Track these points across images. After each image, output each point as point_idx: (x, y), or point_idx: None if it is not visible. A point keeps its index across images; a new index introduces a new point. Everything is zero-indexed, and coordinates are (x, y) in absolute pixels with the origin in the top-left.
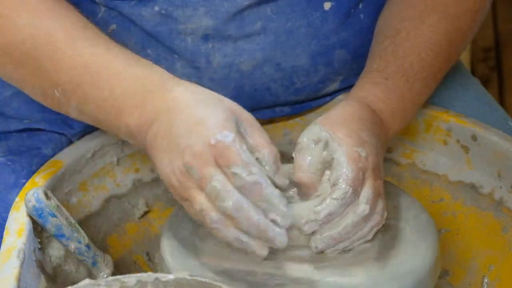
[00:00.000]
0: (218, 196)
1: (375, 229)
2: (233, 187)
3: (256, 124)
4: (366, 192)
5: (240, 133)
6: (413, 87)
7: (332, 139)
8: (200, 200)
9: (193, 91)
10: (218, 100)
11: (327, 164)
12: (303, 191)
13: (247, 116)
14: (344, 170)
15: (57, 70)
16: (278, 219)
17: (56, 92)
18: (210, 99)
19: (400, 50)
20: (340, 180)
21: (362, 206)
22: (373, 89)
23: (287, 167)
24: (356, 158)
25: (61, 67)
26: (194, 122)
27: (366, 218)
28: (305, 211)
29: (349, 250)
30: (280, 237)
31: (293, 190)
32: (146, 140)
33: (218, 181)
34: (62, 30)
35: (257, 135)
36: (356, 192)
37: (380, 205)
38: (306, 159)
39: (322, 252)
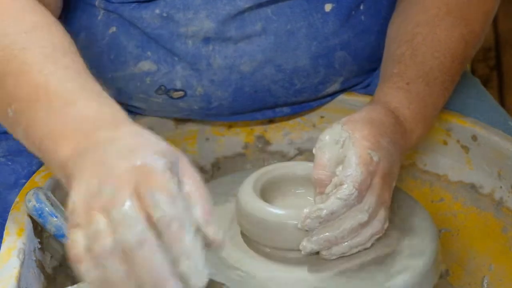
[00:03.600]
0: (123, 223)
1: (374, 237)
2: (144, 218)
3: (196, 176)
4: (370, 198)
5: (173, 172)
6: (433, 91)
7: (349, 138)
8: (98, 220)
9: (140, 131)
10: (161, 141)
11: (341, 162)
12: (320, 188)
13: (187, 165)
14: (354, 172)
15: (16, 87)
16: (192, 275)
17: (9, 111)
18: (153, 138)
19: (419, 55)
20: (348, 181)
21: (363, 214)
22: (396, 95)
23: (307, 165)
24: (368, 161)
25: (21, 85)
26: (128, 150)
27: (365, 224)
28: (305, 206)
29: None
30: None
31: (300, 190)
32: (74, 168)
33: (130, 206)
34: (38, 49)
35: (194, 186)
36: (361, 195)
37: (382, 213)
38: (325, 157)
39: (317, 253)
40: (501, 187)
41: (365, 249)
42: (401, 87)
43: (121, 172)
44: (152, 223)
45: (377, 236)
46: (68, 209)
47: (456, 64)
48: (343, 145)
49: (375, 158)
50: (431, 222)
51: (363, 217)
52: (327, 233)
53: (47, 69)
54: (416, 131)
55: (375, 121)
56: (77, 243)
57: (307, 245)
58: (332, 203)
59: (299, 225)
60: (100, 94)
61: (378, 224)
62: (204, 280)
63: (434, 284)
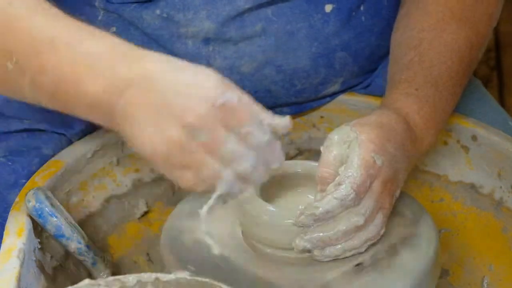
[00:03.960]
0: (234, 159)
1: (369, 242)
2: (247, 148)
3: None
4: (368, 202)
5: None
6: (443, 96)
7: (356, 139)
8: (211, 163)
9: (168, 59)
10: (200, 66)
11: (345, 162)
12: (321, 186)
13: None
14: (353, 173)
15: (13, 39)
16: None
17: (9, 64)
18: (191, 66)
19: (426, 60)
20: (346, 182)
21: (359, 217)
22: (406, 101)
23: (307, 164)
24: (370, 164)
25: (18, 36)
26: (185, 86)
27: (360, 228)
28: (304, 204)
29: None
30: None
31: (301, 189)
32: (115, 110)
33: (232, 142)
34: (24, 2)
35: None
36: (358, 197)
37: (380, 219)
38: (331, 155)
39: (308, 251)
40: (501, 187)
41: (359, 253)
42: (411, 93)
43: (205, 113)
44: (252, 148)
45: (372, 242)
46: (147, 152)
47: (464, 67)
48: (349, 145)
49: (378, 162)
50: (431, 223)
51: (359, 220)
52: (320, 233)
53: (40, 19)
54: (427, 137)
55: (384, 125)
56: (190, 180)
57: (299, 243)
58: (328, 202)
59: (293, 221)
60: (104, 34)
61: (374, 229)
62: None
63: (434, 284)
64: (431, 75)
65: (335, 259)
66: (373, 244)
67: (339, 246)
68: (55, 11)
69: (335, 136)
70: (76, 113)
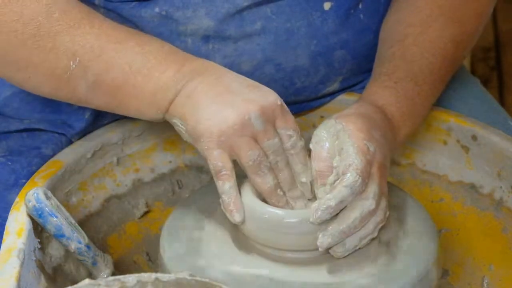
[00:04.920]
0: (274, 152)
1: (379, 226)
2: (283, 148)
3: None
4: (373, 188)
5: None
6: (422, 90)
7: (343, 131)
8: (256, 148)
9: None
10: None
11: (337, 154)
12: (321, 180)
13: None
14: (354, 160)
15: (74, 41)
16: (302, 174)
17: (72, 64)
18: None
19: (408, 55)
20: (350, 169)
21: (370, 201)
22: (383, 93)
23: None
24: (365, 151)
25: (79, 38)
26: (248, 84)
27: (372, 213)
28: (316, 201)
29: (357, 249)
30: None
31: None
32: (182, 91)
33: (278, 139)
34: (77, 8)
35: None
36: (364, 182)
37: (384, 202)
38: (324, 150)
39: (329, 249)
40: (501, 187)
41: (373, 239)
42: (389, 86)
43: (268, 106)
44: (287, 148)
45: (382, 224)
46: (201, 127)
47: (447, 64)
48: (337, 137)
49: (371, 149)
50: (431, 222)
51: (372, 203)
52: (340, 226)
53: (97, 22)
54: (403, 128)
55: (365, 116)
56: (226, 165)
57: (323, 240)
58: (339, 192)
59: (311, 219)
60: (157, 39)
61: (381, 212)
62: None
63: (434, 285)
64: (411, 70)
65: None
66: (374, 240)
67: (357, 235)
68: (109, 19)
69: (322, 132)
70: (130, 105)
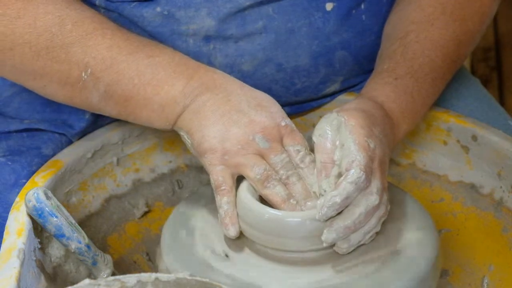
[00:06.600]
0: (284, 167)
1: (382, 220)
2: (293, 163)
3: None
4: (376, 183)
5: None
6: (422, 88)
7: (345, 125)
8: (261, 163)
9: (235, 78)
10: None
11: (338, 147)
12: (325, 172)
13: None
14: (357, 156)
15: (86, 52)
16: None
17: (83, 74)
18: (254, 89)
19: (410, 52)
20: (354, 165)
21: (374, 196)
22: (384, 89)
23: None
24: (366, 147)
25: (91, 49)
26: (256, 104)
27: (376, 208)
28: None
29: (362, 245)
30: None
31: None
32: (188, 109)
33: (286, 154)
34: (89, 19)
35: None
36: (367, 178)
37: (385, 196)
38: (327, 142)
39: (335, 247)
40: (501, 187)
41: (377, 233)
42: (389, 82)
43: (271, 127)
44: (296, 163)
45: (384, 219)
46: (206, 145)
47: (448, 63)
48: (339, 131)
49: (372, 145)
50: (431, 222)
51: (376, 199)
52: (344, 221)
53: (109, 33)
54: (403, 125)
55: (366, 112)
56: (226, 180)
57: (328, 235)
58: (344, 188)
59: (316, 216)
60: (168, 49)
61: (383, 207)
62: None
63: (434, 284)
64: (412, 67)
65: (341, 257)
66: (374, 240)
67: (361, 231)
68: (122, 28)
69: (325, 125)
70: (140, 115)
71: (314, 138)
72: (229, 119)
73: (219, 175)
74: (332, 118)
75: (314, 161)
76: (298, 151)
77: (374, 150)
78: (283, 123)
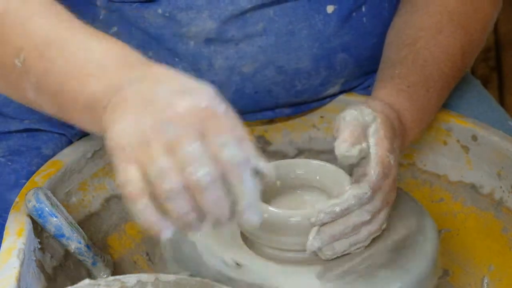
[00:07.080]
0: (193, 162)
1: (372, 236)
2: (211, 159)
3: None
4: (377, 200)
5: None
6: (432, 97)
7: (375, 130)
8: (163, 160)
9: (174, 71)
10: (205, 84)
11: (360, 142)
12: (352, 139)
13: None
14: (372, 172)
15: (22, 35)
16: (249, 213)
17: (17, 62)
18: (193, 79)
19: (420, 59)
20: (364, 180)
21: (367, 213)
22: (398, 97)
23: (285, 162)
24: (386, 164)
25: (28, 33)
26: (178, 90)
27: (365, 223)
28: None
29: (347, 254)
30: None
31: (299, 190)
32: (108, 105)
33: (200, 147)
34: (37, 3)
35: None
36: (372, 196)
37: (383, 214)
38: (348, 131)
39: (318, 252)
40: (501, 187)
41: (364, 247)
42: (403, 90)
43: (184, 112)
44: (218, 161)
45: (375, 235)
46: (112, 143)
47: (454, 71)
48: (368, 127)
49: (392, 162)
50: (431, 222)
51: (366, 216)
52: (331, 230)
53: (51, 18)
54: (411, 135)
55: (389, 120)
56: (132, 181)
57: (313, 243)
58: (347, 199)
59: (312, 219)
60: (112, 40)
61: (377, 223)
62: (259, 219)
63: (434, 285)
64: (423, 75)
65: (341, 257)
66: (374, 240)
67: (347, 241)
68: (67, 14)
69: (358, 114)
70: (72, 116)
71: (338, 120)
72: (142, 110)
73: (122, 176)
74: (367, 113)
75: (250, 163)
76: (222, 144)
77: (391, 167)
78: (203, 104)
